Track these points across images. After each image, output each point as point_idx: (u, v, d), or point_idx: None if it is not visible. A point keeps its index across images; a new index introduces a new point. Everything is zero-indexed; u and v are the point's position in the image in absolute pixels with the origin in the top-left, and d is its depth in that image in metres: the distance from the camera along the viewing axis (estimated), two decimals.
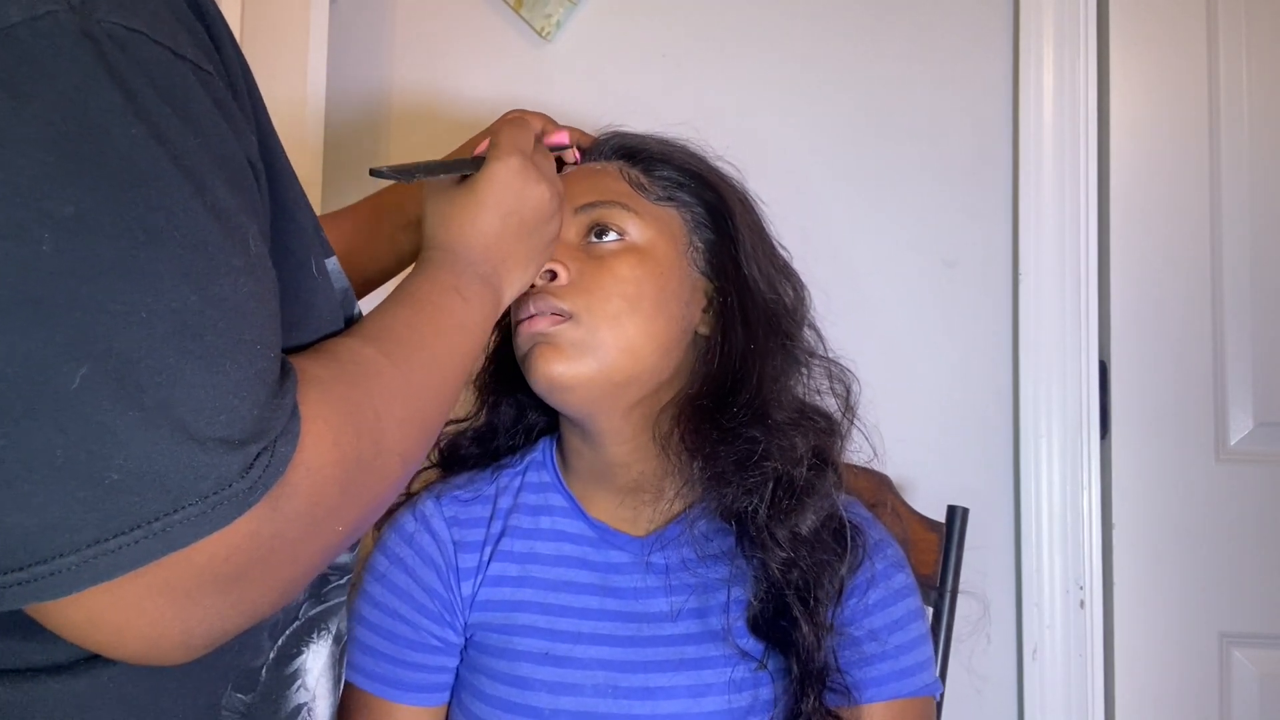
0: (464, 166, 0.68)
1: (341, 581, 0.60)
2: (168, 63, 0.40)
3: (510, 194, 0.65)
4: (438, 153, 0.85)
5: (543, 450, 0.84)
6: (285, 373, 0.43)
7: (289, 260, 0.48)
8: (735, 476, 0.73)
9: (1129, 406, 1.20)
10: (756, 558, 0.73)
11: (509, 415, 0.87)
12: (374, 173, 0.64)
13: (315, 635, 0.57)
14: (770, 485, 0.73)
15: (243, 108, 0.46)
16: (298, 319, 0.49)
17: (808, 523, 0.73)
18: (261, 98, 0.49)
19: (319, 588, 0.57)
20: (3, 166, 0.35)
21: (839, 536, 0.75)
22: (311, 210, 0.54)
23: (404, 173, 0.65)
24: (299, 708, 0.55)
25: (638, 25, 1.25)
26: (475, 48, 1.25)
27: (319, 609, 0.57)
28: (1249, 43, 1.21)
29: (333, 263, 0.57)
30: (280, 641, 0.54)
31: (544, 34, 1.23)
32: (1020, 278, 1.19)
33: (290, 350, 0.47)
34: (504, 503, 0.81)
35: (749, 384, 0.75)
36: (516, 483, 0.83)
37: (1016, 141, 1.21)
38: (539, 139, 0.72)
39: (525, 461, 0.84)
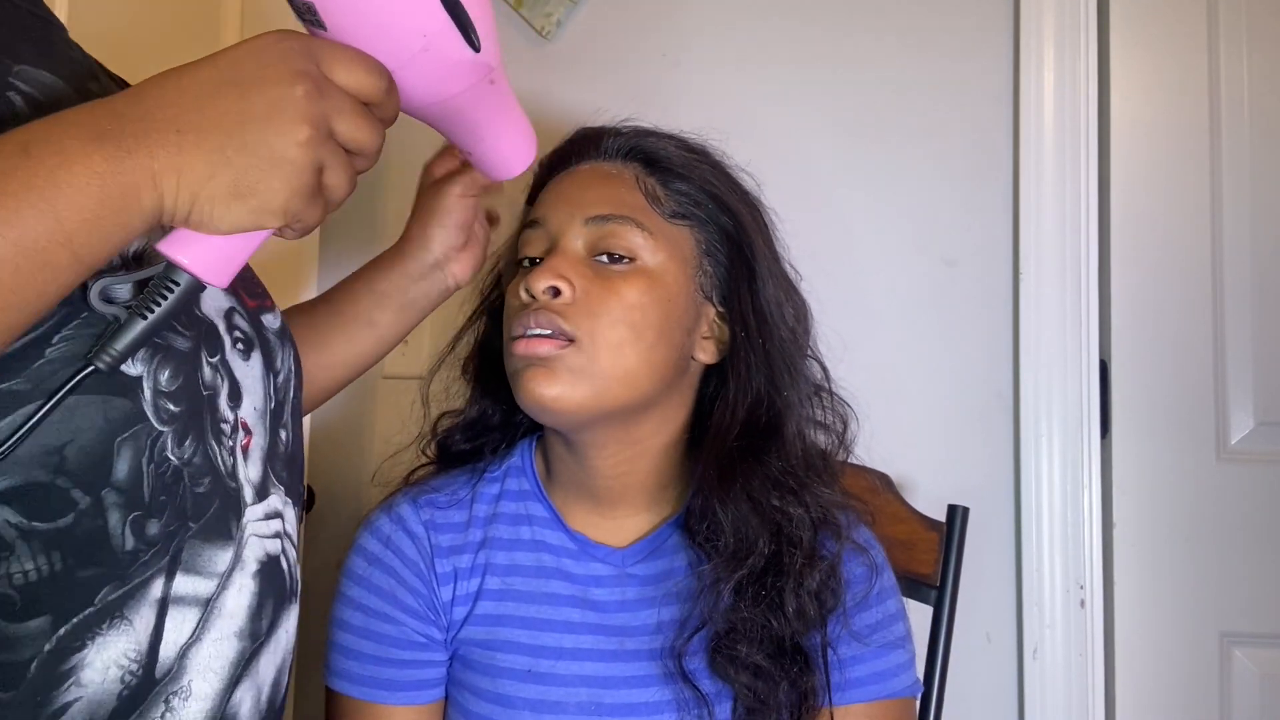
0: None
1: (147, 558, 0.50)
2: None
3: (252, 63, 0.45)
4: (435, 152, 0.85)
5: (521, 455, 0.83)
6: None
7: None
8: (756, 518, 0.72)
9: (1129, 406, 1.20)
10: (766, 595, 0.72)
11: (495, 412, 0.85)
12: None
13: (106, 626, 0.49)
14: (789, 535, 0.72)
15: None
16: None
17: (818, 578, 0.72)
18: None
19: (126, 566, 0.48)
20: None
21: (836, 578, 0.74)
22: None
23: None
24: (66, 707, 0.48)
25: (638, 25, 1.25)
26: None
27: (119, 592, 0.49)
28: (1249, 43, 1.21)
29: None
30: (63, 631, 0.47)
31: (544, 33, 1.23)
32: (1020, 278, 1.19)
33: None
34: (481, 510, 0.80)
35: (776, 425, 0.75)
36: (495, 490, 0.81)
37: (1017, 141, 1.21)
38: None
39: (504, 467, 0.82)
